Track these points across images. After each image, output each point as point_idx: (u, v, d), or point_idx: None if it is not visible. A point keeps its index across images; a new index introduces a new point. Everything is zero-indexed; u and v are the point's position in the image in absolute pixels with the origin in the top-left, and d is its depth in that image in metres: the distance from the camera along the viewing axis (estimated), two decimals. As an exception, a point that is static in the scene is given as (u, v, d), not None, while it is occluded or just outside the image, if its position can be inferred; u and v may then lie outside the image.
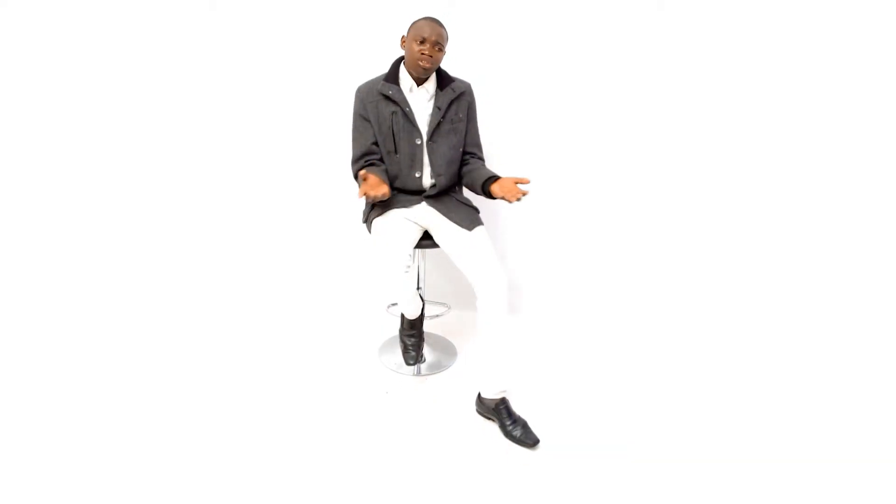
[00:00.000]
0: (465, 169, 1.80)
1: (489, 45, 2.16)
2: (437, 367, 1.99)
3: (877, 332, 2.13)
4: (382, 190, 1.51)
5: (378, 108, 1.68)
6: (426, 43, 1.58)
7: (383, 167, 1.73)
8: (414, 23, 1.63)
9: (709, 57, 2.04)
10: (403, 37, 1.66)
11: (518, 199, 1.51)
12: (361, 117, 1.71)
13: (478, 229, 1.69)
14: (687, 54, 2.05)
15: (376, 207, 1.74)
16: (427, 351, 2.06)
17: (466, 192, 1.90)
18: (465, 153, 1.82)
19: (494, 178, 1.65)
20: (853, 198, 2.07)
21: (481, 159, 1.84)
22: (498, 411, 1.62)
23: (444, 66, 1.79)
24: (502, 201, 2.02)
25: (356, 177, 1.74)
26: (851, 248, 2.11)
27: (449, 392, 1.84)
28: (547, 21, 2.11)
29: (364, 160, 1.72)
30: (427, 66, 1.60)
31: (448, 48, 1.90)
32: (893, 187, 2.04)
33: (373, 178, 1.52)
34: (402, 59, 1.71)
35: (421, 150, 1.71)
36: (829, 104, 2.01)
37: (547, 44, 2.14)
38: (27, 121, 2.56)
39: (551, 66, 2.16)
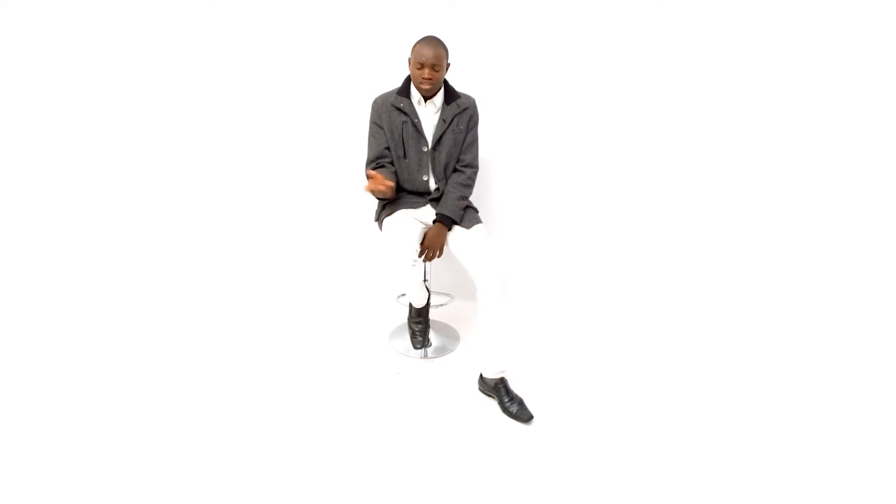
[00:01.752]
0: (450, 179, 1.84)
1: (486, 43, 2.18)
2: (442, 351, 2.06)
3: (875, 331, 2.10)
4: (386, 184, 1.60)
5: (391, 117, 1.76)
6: (424, 67, 1.65)
7: (392, 169, 1.81)
8: (415, 45, 1.69)
9: (706, 58, 2.03)
10: (410, 59, 1.72)
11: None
12: (376, 125, 1.78)
13: (476, 227, 1.78)
14: (683, 54, 2.05)
15: (387, 207, 1.83)
16: (433, 336, 2.13)
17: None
18: (457, 162, 1.85)
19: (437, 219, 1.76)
20: (851, 196, 2.05)
21: (471, 168, 1.86)
22: (497, 390, 1.71)
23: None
24: (500, 203, 2.08)
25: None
26: (847, 247, 2.10)
27: (453, 373, 1.92)
28: (543, 19, 2.12)
29: (376, 162, 1.80)
30: (427, 87, 1.68)
31: (446, 43, 1.90)
32: (892, 187, 2.00)
33: (378, 176, 1.60)
34: None
35: (427, 157, 1.80)
36: (829, 102, 1.98)
37: (542, 41, 2.15)
38: (29, 121, 2.49)
39: (545, 64, 2.17)
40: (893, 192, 2.01)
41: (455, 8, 2.16)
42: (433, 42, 1.67)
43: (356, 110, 2.29)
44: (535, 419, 1.65)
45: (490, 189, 2.39)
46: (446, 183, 1.84)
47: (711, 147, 2.15)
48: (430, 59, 1.65)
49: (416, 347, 2.06)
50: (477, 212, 1.90)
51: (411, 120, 1.75)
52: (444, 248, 1.79)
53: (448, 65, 1.74)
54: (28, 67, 2.44)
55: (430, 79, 1.67)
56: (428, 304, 2.08)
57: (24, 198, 2.61)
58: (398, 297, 2.48)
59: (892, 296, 2.09)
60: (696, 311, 2.33)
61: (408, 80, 1.78)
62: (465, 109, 1.80)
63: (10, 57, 2.42)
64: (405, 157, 1.80)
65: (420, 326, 2.08)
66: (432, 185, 1.85)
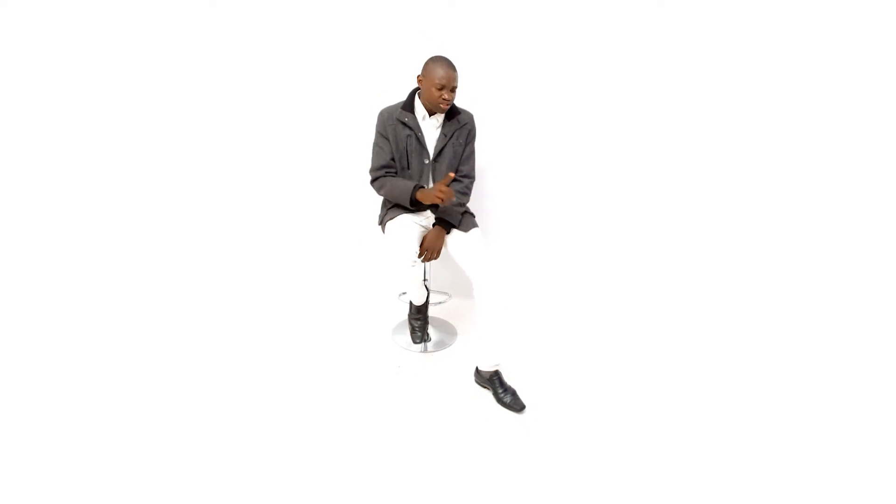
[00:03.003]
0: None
1: (485, 44, 2.20)
2: (440, 346, 2.12)
3: (872, 331, 2.09)
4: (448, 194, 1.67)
5: (396, 130, 1.82)
6: (445, 90, 1.71)
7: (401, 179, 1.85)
8: (431, 66, 1.71)
9: (706, 61, 2.02)
10: (419, 76, 1.77)
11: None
12: (382, 135, 1.84)
13: (473, 230, 1.86)
14: (683, 58, 2.04)
15: (390, 211, 1.91)
16: (432, 332, 2.19)
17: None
18: (456, 172, 1.91)
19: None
20: (850, 196, 2.04)
21: (468, 178, 1.93)
22: (492, 381, 1.78)
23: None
24: (495, 208, 2.11)
25: (374, 181, 1.88)
26: (844, 247, 2.09)
27: (450, 366, 1.97)
28: (543, 22, 2.13)
29: (383, 171, 1.86)
30: (446, 107, 1.75)
31: (444, 47, 1.94)
32: (891, 187, 1.98)
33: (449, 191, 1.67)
34: (417, 90, 1.83)
35: (428, 168, 1.87)
36: (828, 102, 1.97)
37: (541, 45, 2.16)
38: (30, 122, 2.46)
39: (543, 68, 2.19)
40: (892, 191, 2.00)
41: (455, 8, 2.17)
42: (451, 65, 1.72)
43: (362, 115, 2.31)
44: (526, 409, 1.71)
45: (486, 195, 2.45)
46: None
47: (706, 150, 2.16)
48: (452, 83, 1.70)
49: (415, 342, 2.13)
50: (474, 217, 1.97)
51: (415, 134, 1.82)
52: (443, 249, 1.85)
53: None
54: (29, 67, 2.41)
55: (448, 100, 1.73)
56: (427, 301, 2.14)
57: (29, 199, 2.59)
58: (399, 295, 2.55)
59: (891, 295, 2.08)
60: (681, 308, 2.37)
61: (411, 96, 1.84)
62: (464, 125, 1.87)
63: (10, 57, 2.39)
64: (409, 167, 1.87)
65: (420, 323, 2.15)
66: None
